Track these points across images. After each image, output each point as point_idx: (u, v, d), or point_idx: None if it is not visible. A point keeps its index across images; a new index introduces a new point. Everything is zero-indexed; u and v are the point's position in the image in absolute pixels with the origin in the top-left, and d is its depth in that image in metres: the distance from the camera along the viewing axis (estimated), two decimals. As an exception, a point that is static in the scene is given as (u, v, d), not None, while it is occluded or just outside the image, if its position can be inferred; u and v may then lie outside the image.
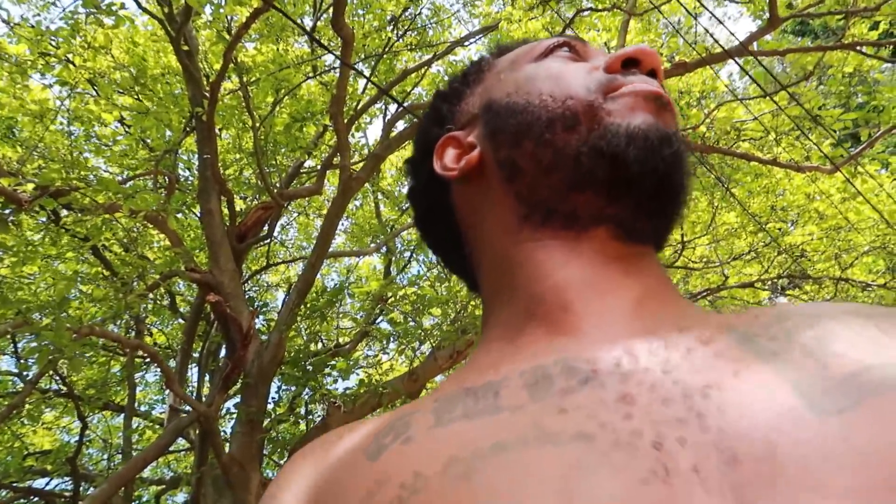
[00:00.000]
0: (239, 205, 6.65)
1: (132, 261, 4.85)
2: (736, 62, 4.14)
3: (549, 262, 0.52)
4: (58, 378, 6.27)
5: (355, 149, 7.52)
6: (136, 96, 6.29)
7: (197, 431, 5.71)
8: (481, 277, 0.59)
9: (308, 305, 5.94)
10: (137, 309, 5.12)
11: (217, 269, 5.14)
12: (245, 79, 5.56)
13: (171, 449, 7.66)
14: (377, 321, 6.64)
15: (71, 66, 5.52)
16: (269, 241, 7.41)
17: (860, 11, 4.33)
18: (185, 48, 5.23)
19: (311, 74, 6.48)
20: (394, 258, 8.05)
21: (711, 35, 4.37)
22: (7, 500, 6.14)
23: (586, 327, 0.47)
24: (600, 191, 0.51)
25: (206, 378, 7.32)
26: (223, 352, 6.83)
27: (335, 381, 5.78)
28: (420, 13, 6.86)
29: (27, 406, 6.26)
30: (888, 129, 4.86)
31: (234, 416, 5.37)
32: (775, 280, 7.17)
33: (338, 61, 5.59)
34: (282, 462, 5.64)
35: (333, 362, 5.58)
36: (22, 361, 5.98)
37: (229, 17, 5.92)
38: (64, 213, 5.03)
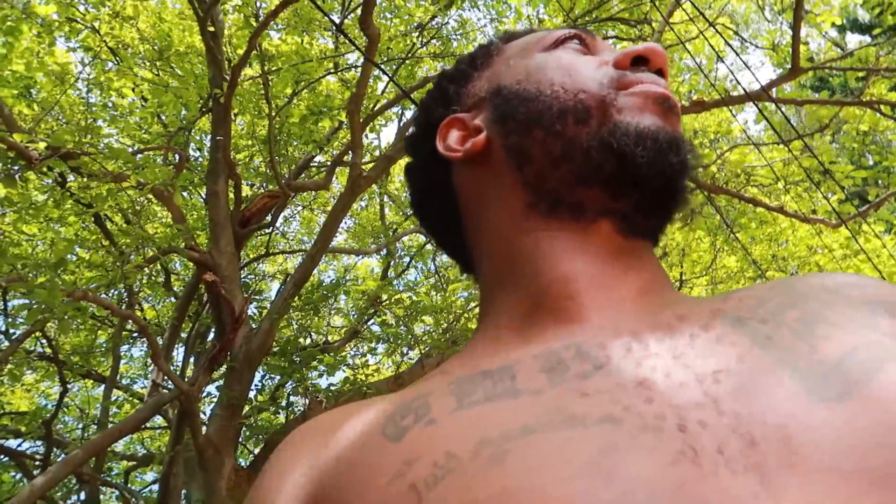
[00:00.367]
0: (245, 191, 6.67)
1: (133, 231, 4.85)
2: (756, 105, 4.17)
3: (554, 252, 0.53)
4: (44, 341, 6.26)
5: (368, 149, 7.54)
6: (156, 71, 6.32)
7: (176, 411, 5.69)
8: (482, 261, 0.60)
9: (302, 298, 5.94)
10: (132, 280, 5.11)
11: (217, 250, 5.15)
12: (267, 67, 5.59)
13: (148, 426, 7.63)
14: (369, 322, 6.64)
15: (96, 33, 5.55)
16: (271, 230, 7.42)
17: (881, 70, 4.37)
18: (212, 29, 5.26)
19: (332, 70, 6.51)
20: (393, 262, 8.06)
21: (734, 76, 4.41)
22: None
23: (593, 316, 0.48)
24: (607, 186, 0.52)
25: (192, 360, 7.31)
26: (212, 335, 6.83)
27: (320, 376, 5.77)
28: (447, 23, 6.91)
29: (9, 365, 6.25)
30: (896, 192, 4.89)
31: (216, 399, 5.36)
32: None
33: (359, 60, 5.63)
34: (256, 451, 5.62)
35: (321, 357, 5.57)
36: (10, 320, 5.97)
37: (258, 4, 5.96)
38: (71, 178, 5.04)
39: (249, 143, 7.03)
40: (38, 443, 7.02)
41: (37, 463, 6.48)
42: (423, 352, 5.69)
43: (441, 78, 0.67)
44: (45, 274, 3.94)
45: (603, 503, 0.33)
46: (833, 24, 5.48)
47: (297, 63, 5.89)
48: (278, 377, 5.78)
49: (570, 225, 0.53)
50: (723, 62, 5.49)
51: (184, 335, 7.32)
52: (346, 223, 9.32)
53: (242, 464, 5.45)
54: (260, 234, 7.39)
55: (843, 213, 4.96)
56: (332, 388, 5.38)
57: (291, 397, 5.88)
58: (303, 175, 7.16)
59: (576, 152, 0.52)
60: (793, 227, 6.37)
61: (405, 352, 6.25)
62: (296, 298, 5.68)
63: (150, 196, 5.02)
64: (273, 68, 5.89)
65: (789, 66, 4.36)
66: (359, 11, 4.72)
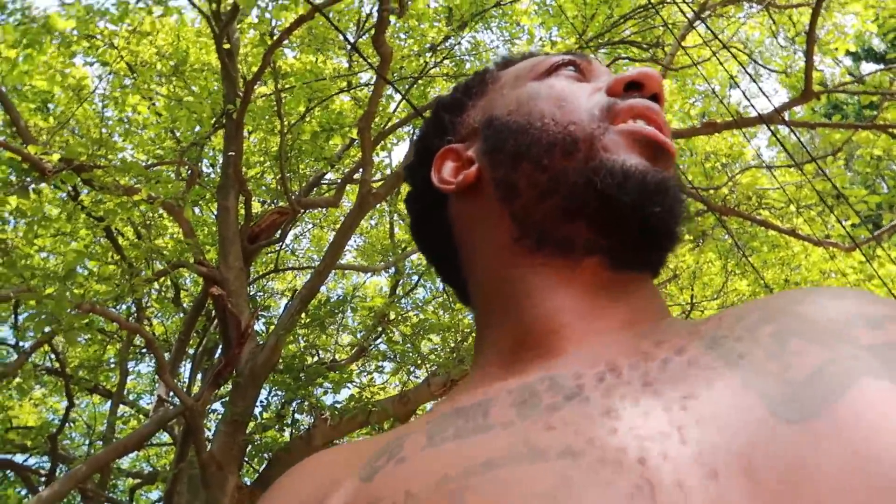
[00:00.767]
0: (256, 207, 6.70)
1: (143, 245, 4.87)
2: (769, 127, 4.16)
3: (541, 287, 0.52)
4: (52, 356, 6.28)
5: (378, 167, 7.57)
6: (172, 87, 6.40)
7: (181, 427, 5.67)
8: (473, 293, 0.60)
9: (309, 314, 5.93)
10: (141, 293, 5.13)
11: (225, 265, 5.16)
12: (280, 84, 5.64)
13: (153, 442, 7.62)
14: (376, 340, 6.61)
15: (114, 49, 5.63)
16: (280, 246, 7.44)
17: (895, 94, 4.35)
18: (227, 46, 5.33)
19: (345, 88, 6.57)
20: (401, 280, 8.04)
21: (748, 99, 4.41)
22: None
23: (573, 348, 0.48)
24: (591, 222, 0.51)
25: (199, 376, 7.30)
26: (219, 352, 6.82)
27: (325, 394, 5.74)
28: (460, 44, 6.97)
29: (17, 379, 6.26)
30: (911, 216, 4.84)
31: (221, 416, 5.33)
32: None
33: (372, 79, 5.67)
34: (260, 469, 5.58)
35: (327, 374, 5.55)
36: (19, 332, 5.98)
37: (274, 22, 6.03)
38: (84, 192, 5.08)
39: (261, 159, 7.09)
40: (44, 458, 7.01)
41: (42, 478, 6.46)
42: (429, 371, 5.65)
43: (438, 106, 0.67)
44: (54, 285, 3.95)
45: None
46: (847, 52, 5.47)
47: (311, 81, 5.94)
48: (284, 394, 5.75)
49: (557, 260, 0.52)
50: (737, 86, 5.49)
51: (191, 351, 7.32)
52: (355, 241, 9.34)
53: (247, 482, 5.40)
54: (269, 250, 7.41)
55: (856, 236, 4.92)
56: (338, 405, 5.35)
57: (297, 415, 5.85)
58: (313, 192, 7.19)
59: (561, 186, 0.51)
60: (805, 250, 6.32)
61: (412, 370, 6.21)
62: (303, 315, 5.68)
63: (161, 210, 5.05)
64: (286, 86, 5.95)
65: (803, 89, 4.35)
66: (373, 31, 4.76)
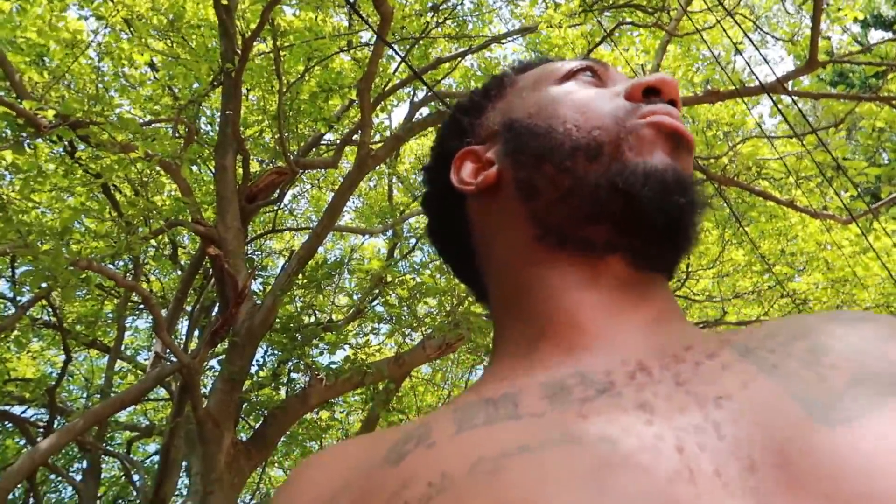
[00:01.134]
0: (254, 166, 6.66)
1: (140, 203, 4.86)
2: (770, 98, 4.12)
3: (562, 286, 0.53)
4: (49, 309, 6.30)
5: (378, 130, 7.52)
6: (169, 42, 6.30)
7: (178, 383, 5.72)
8: (492, 292, 0.60)
9: (306, 275, 5.95)
10: (138, 251, 5.13)
11: (223, 224, 5.15)
12: (279, 42, 5.56)
13: (150, 397, 7.70)
14: (373, 302, 6.65)
15: (109, 1, 5.53)
16: (278, 206, 7.42)
17: (900, 66, 4.30)
18: (225, 2, 5.23)
19: (344, 48, 6.47)
20: (399, 243, 8.05)
21: (750, 68, 4.36)
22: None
23: (599, 344, 0.49)
24: (614, 223, 0.52)
25: (196, 333, 7.35)
26: (216, 310, 6.85)
27: (321, 354, 5.79)
28: (462, 4, 6.85)
29: (15, 332, 6.30)
30: (910, 189, 4.83)
31: (217, 373, 5.39)
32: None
33: (372, 39, 5.59)
34: (256, 426, 5.65)
35: (323, 335, 5.59)
36: (17, 287, 6.00)
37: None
38: (80, 147, 5.04)
39: (259, 118, 7.02)
40: (42, 410, 7.10)
41: (40, 430, 6.55)
42: (425, 333, 5.69)
43: (456, 109, 0.68)
44: (51, 241, 3.95)
45: None
46: (855, 20, 5.39)
47: (310, 39, 5.86)
48: (280, 353, 5.80)
49: (579, 259, 0.53)
50: (740, 54, 5.42)
51: (189, 309, 7.36)
52: (353, 203, 9.33)
53: (242, 438, 5.48)
54: (267, 210, 7.40)
55: (854, 209, 4.91)
56: (334, 366, 5.40)
57: (292, 374, 5.91)
58: (312, 152, 7.15)
59: (584, 189, 0.52)
60: (803, 222, 6.32)
61: (407, 333, 6.25)
62: (300, 276, 5.69)
63: (158, 168, 5.02)
64: (285, 44, 5.86)
65: (807, 58, 4.30)
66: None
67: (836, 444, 0.34)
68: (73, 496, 7.86)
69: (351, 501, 0.44)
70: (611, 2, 5.66)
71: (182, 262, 7.41)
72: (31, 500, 6.85)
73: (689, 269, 6.90)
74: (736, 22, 4.16)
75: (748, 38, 3.88)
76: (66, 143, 4.88)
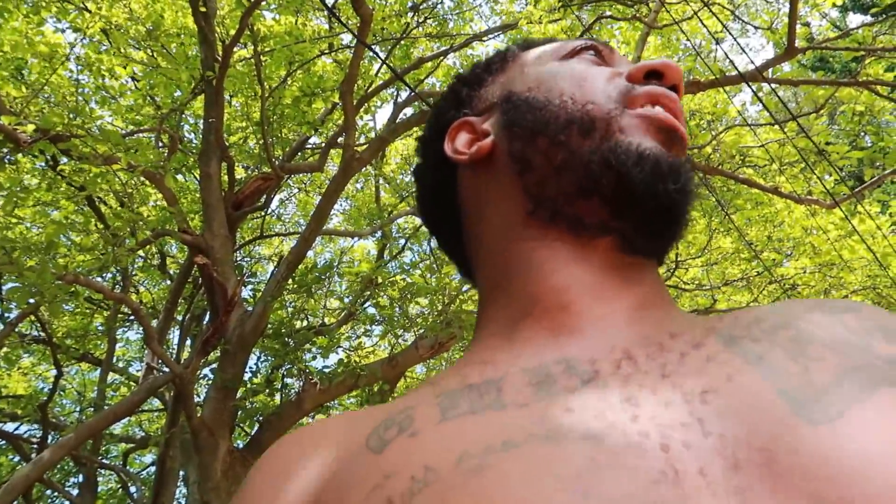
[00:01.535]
0: (239, 173, 6.63)
1: (126, 215, 4.83)
2: (749, 87, 4.14)
3: (550, 262, 0.52)
4: (38, 325, 6.26)
5: (362, 131, 7.51)
6: (149, 52, 6.27)
7: (171, 393, 5.70)
8: (479, 266, 0.60)
9: (296, 280, 5.94)
10: (125, 263, 5.10)
11: (209, 232, 5.13)
12: (259, 47, 5.54)
13: (144, 408, 7.67)
14: (364, 304, 6.64)
15: (86, 13, 5.50)
16: (265, 212, 7.40)
17: (877, 51, 4.34)
18: (203, 10, 5.21)
19: (325, 51, 6.46)
20: (388, 244, 8.04)
21: (729, 58, 4.38)
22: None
23: (585, 329, 0.48)
24: (605, 201, 0.51)
25: (188, 342, 7.33)
26: (207, 318, 6.83)
27: (314, 358, 5.79)
28: (442, 2, 6.85)
29: (5, 349, 6.26)
30: (892, 172, 4.87)
31: (211, 382, 5.37)
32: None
33: (353, 41, 5.58)
34: (252, 432, 5.64)
35: (315, 339, 5.58)
36: (4, 304, 5.96)
37: (251, -16, 5.88)
38: (63, 161, 5.00)
39: (243, 124, 7.00)
40: (35, 426, 7.05)
41: (34, 446, 6.51)
42: (417, 334, 5.69)
43: (456, 80, 0.67)
44: (36, 256, 3.92)
45: None
46: (834, 5, 5.43)
47: (290, 44, 5.84)
48: (273, 359, 5.79)
49: (569, 237, 0.53)
50: (719, 45, 5.45)
51: (179, 318, 7.33)
52: (341, 205, 9.32)
53: (238, 445, 5.47)
54: (255, 216, 7.38)
55: (837, 194, 4.95)
56: (327, 369, 5.39)
57: (286, 379, 5.90)
58: (297, 157, 7.13)
59: (577, 163, 0.52)
60: (788, 208, 6.37)
61: (400, 333, 6.25)
62: (290, 281, 5.68)
63: (143, 178, 4.99)
64: (266, 49, 5.84)
65: (786, 46, 4.33)
66: (351, -9, 4.66)
67: (821, 443, 0.34)
68: (71, 511, 7.81)
69: (330, 486, 0.43)
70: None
71: (171, 272, 7.38)
72: (28, 517, 6.80)
73: (679, 259, 6.94)
74: (712, 12, 4.18)
75: (725, 28, 3.90)
76: (47, 157, 4.84)
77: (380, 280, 6.22)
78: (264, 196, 6.30)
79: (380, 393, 6.27)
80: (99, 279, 5.66)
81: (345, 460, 0.44)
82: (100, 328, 7.35)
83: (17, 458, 7.40)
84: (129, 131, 5.90)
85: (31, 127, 3.90)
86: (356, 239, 8.94)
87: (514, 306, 0.53)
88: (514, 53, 0.65)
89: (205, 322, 7.13)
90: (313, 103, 6.39)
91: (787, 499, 0.33)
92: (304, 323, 6.89)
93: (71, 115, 4.24)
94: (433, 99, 5.63)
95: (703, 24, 4.00)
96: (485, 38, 7.10)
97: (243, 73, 6.19)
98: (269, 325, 5.48)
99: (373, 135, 7.45)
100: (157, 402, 7.44)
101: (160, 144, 6.47)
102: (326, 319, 7.38)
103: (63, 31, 5.54)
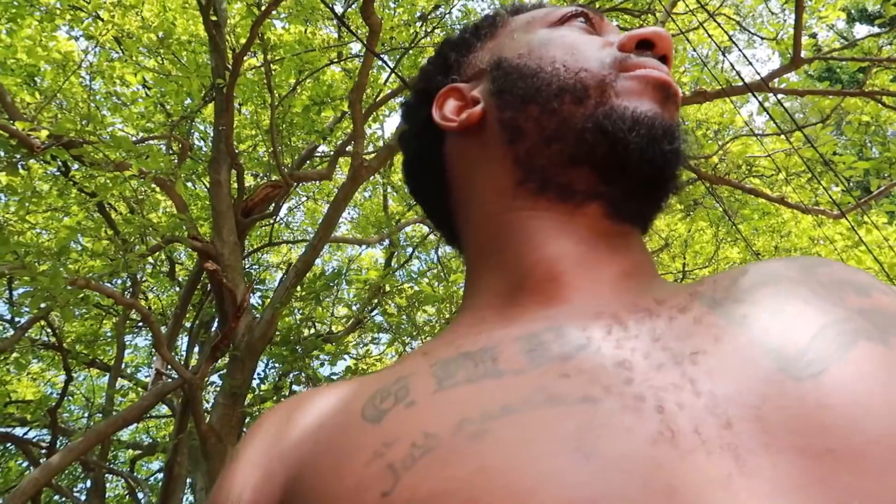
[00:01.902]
0: (248, 180, 6.68)
1: (136, 221, 4.87)
2: (755, 97, 4.16)
3: (540, 232, 0.53)
4: (48, 330, 6.31)
5: (370, 140, 7.54)
6: (160, 60, 6.33)
7: (180, 399, 5.73)
8: (467, 235, 0.59)
9: (305, 287, 5.96)
10: (135, 269, 5.14)
11: (219, 239, 5.17)
12: (269, 56, 5.59)
13: (152, 415, 7.69)
14: (372, 312, 6.66)
15: (99, 21, 5.57)
16: (274, 220, 7.44)
17: (883, 61, 4.35)
18: (214, 18, 5.26)
19: (335, 60, 6.51)
20: (396, 252, 8.07)
21: (734, 68, 4.40)
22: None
23: (575, 297, 0.49)
24: (596, 168, 0.51)
25: (196, 349, 7.35)
26: (215, 325, 6.87)
27: (322, 366, 5.80)
28: (450, 13, 6.89)
29: (15, 354, 6.30)
30: (898, 182, 4.87)
31: (219, 388, 5.39)
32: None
33: (362, 50, 5.63)
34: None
35: (323, 346, 5.60)
36: (15, 308, 6.01)
37: (261, -7, 5.96)
38: (75, 167, 5.06)
39: (253, 132, 7.05)
40: (44, 431, 7.08)
41: (42, 451, 6.54)
42: (424, 341, 5.71)
43: (444, 45, 0.66)
44: (48, 262, 3.96)
45: (580, 481, 0.34)
46: (840, 17, 5.45)
47: (300, 52, 5.89)
48: (281, 366, 5.81)
49: (558, 206, 0.53)
50: (724, 55, 5.46)
51: (188, 325, 7.37)
52: (349, 213, 9.35)
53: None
54: (264, 223, 7.42)
55: (844, 204, 4.96)
56: (335, 377, 5.41)
57: (294, 386, 5.91)
58: (306, 165, 7.18)
59: (569, 132, 0.52)
60: (795, 218, 6.36)
61: (407, 341, 6.27)
62: (298, 288, 5.71)
63: (153, 185, 5.04)
64: (276, 58, 5.89)
65: (791, 57, 4.35)
66: (361, 0, 4.71)
67: (806, 398, 0.35)
68: (78, 516, 7.83)
69: (325, 455, 0.42)
70: (598, 5, 5.70)
71: (180, 279, 7.42)
72: (36, 522, 6.82)
73: (686, 269, 6.94)
74: (718, 23, 4.21)
75: (731, 39, 3.93)
76: (59, 162, 4.90)
77: (387, 288, 6.24)
78: (273, 203, 6.33)
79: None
80: (109, 284, 5.70)
81: (339, 430, 0.44)
82: (109, 334, 7.39)
83: (25, 463, 7.44)
84: (140, 138, 5.95)
85: (44, 133, 3.95)
86: (364, 247, 8.97)
87: (505, 277, 0.53)
88: (504, 18, 0.64)
89: (213, 328, 7.17)
90: (322, 112, 6.43)
91: (777, 453, 0.34)
92: (312, 330, 6.91)
93: (83, 122, 4.29)
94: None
95: (709, 35, 4.02)
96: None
97: (253, 82, 6.24)
98: (278, 332, 5.50)
99: (381, 143, 7.50)
100: (165, 409, 7.46)
101: (170, 151, 6.53)
102: (334, 327, 7.40)
103: (77, 38, 5.60)
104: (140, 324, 7.52)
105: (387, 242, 8.07)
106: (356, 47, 6.77)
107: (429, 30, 6.73)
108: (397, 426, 0.40)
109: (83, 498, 6.78)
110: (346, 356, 6.04)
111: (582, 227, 0.52)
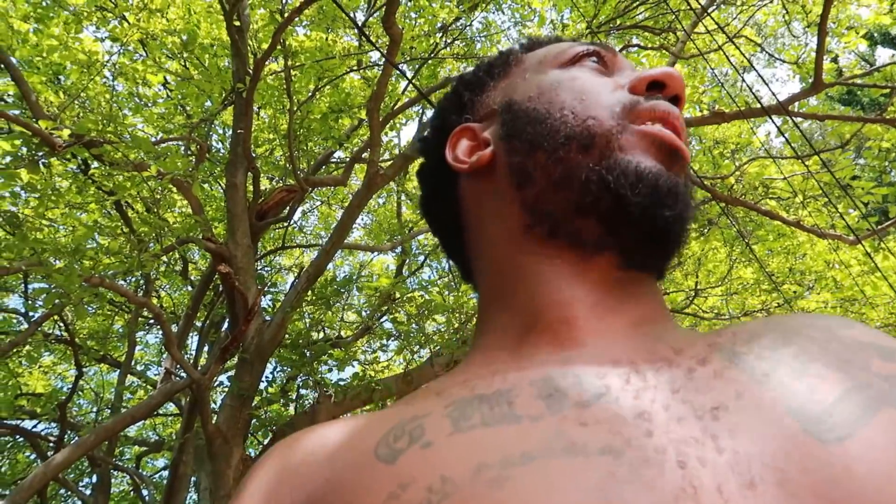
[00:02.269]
0: (264, 183, 6.73)
1: (152, 220, 4.92)
2: (772, 120, 4.15)
3: (552, 277, 0.52)
4: (61, 325, 6.37)
5: (386, 148, 7.59)
6: (182, 63, 6.40)
7: (188, 398, 5.76)
8: (479, 272, 0.60)
9: (315, 292, 5.99)
10: (150, 268, 5.18)
11: (233, 241, 5.21)
12: (290, 62, 5.64)
13: (160, 412, 7.73)
14: (381, 319, 6.68)
15: (125, 23, 5.64)
16: (288, 224, 7.48)
17: (905, 88, 4.33)
18: (237, 24, 5.32)
19: (354, 68, 6.55)
20: (407, 260, 8.08)
21: (752, 91, 4.39)
22: (-7, 434, 6.22)
23: (590, 343, 0.48)
24: (602, 221, 0.51)
25: (206, 349, 7.40)
26: (226, 325, 6.90)
27: (330, 371, 5.82)
28: (471, 25, 6.92)
29: (28, 347, 6.36)
30: (917, 209, 4.83)
31: (227, 389, 5.42)
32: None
33: (382, 59, 5.66)
34: (265, 441, 5.67)
35: (332, 352, 5.61)
36: (29, 302, 6.07)
37: (284, 0, 6.02)
38: (94, 165, 5.12)
39: (270, 136, 7.10)
40: (53, 424, 7.14)
41: (51, 444, 6.59)
42: (433, 351, 5.71)
43: (459, 83, 0.67)
44: (65, 259, 4.01)
45: None
46: (862, 41, 5.42)
47: (321, 60, 5.94)
48: (289, 370, 5.83)
49: (569, 253, 0.52)
50: (743, 80, 5.46)
51: (199, 324, 7.41)
52: (363, 220, 9.38)
53: (252, 454, 5.50)
54: (277, 227, 7.47)
55: (860, 229, 4.92)
56: (342, 382, 5.42)
57: (301, 390, 5.93)
58: (321, 170, 7.22)
59: (574, 181, 0.51)
60: (811, 240, 6.32)
61: (416, 349, 6.27)
62: (309, 292, 5.73)
63: (170, 185, 5.09)
64: (296, 64, 5.94)
65: (812, 81, 4.34)
66: (383, 11, 4.75)
67: (832, 463, 0.34)
68: (83, 510, 7.88)
69: (335, 495, 0.42)
70: (618, 23, 5.71)
71: (192, 279, 7.48)
72: (41, 515, 6.87)
73: (698, 287, 6.90)
74: (737, 46, 4.20)
75: (749, 62, 3.92)
76: (79, 160, 4.96)
77: (398, 295, 6.25)
78: (287, 207, 6.37)
79: (393, 408, 6.26)
80: (123, 283, 5.75)
81: (351, 468, 0.43)
82: (120, 331, 7.45)
83: (33, 456, 7.49)
84: (159, 139, 6.01)
85: (66, 132, 4.00)
86: (376, 253, 9.00)
87: (518, 318, 0.52)
88: (517, 56, 0.64)
89: (223, 329, 7.20)
90: (340, 119, 6.47)
91: None
92: (321, 335, 6.93)
93: (104, 122, 4.34)
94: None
95: (728, 59, 4.01)
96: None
97: (273, 87, 6.30)
98: (287, 336, 5.52)
99: (397, 151, 7.53)
100: (172, 407, 7.50)
101: (188, 153, 6.59)
102: (343, 332, 7.42)
103: (102, 40, 5.68)
104: (151, 322, 7.58)
105: (399, 250, 8.10)
106: (376, 55, 6.81)
107: (449, 41, 6.77)
108: (413, 467, 0.40)
109: (88, 493, 6.82)
110: (354, 362, 6.05)
111: (594, 273, 0.52)
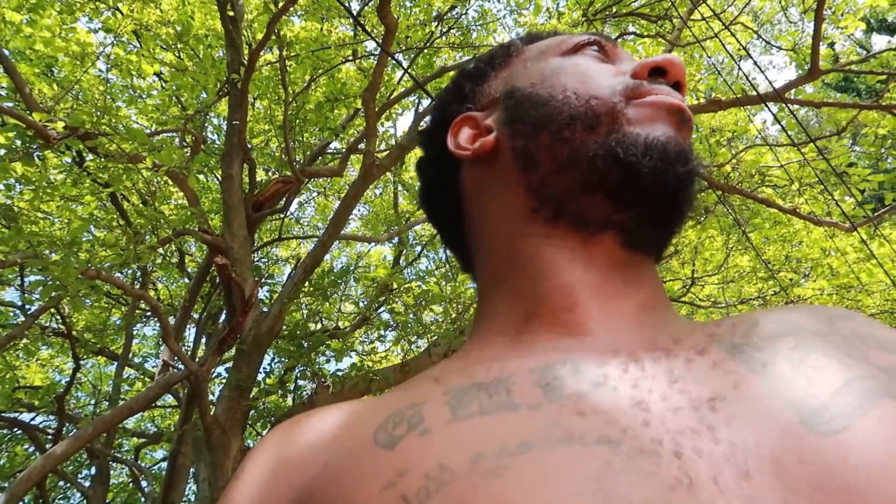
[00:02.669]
0: (260, 175, 6.72)
1: (148, 213, 4.91)
2: (767, 108, 4.14)
3: (555, 261, 0.52)
4: (58, 317, 6.37)
5: (383, 138, 7.57)
6: (177, 54, 6.37)
7: (186, 390, 5.77)
8: (481, 262, 0.59)
9: (313, 283, 5.98)
10: (146, 260, 5.18)
11: (229, 233, 5.20)
12: (285, 52, 5.61)
13: (158, 404, 7.75)
14: (379, 309, 6.68)
15: (118, 14, 5.61)
16: (284, 215, 7.47)
17: (901, 74, 4.32)
18: (231, 14, 5.29)
19: (350, 58, 6.53)
20: (405, 250, 8.09)
21: (748, 79, 4.38)
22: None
23: (590, 330, 0.48)
24: (610, 195, 0.51)
25: (203, 340, 7.40)
26: (223, 317, 6.91)
27: (328, 362, 5.82)
28: (466, 14, 6.90)
29: (25, 340, 6.36)
30: (913, 196, 4.83)
31: (225, 380, 5.43)
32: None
33: (377, 48, 5.64)
34: (264, 432, 5.68)
35: (329, 342, 5.62)
36: (26, 295, 6.07)
37: (279, -10, 5.98)
38: (89, 157, 5.10)
39: (266, 127, 7.08)
40: (51, 417, 7.15)
41: (49, 437, 6.60)
42: (430, 341, 5.72)
43: (459, 74, 0.67)
44: (61, 252, 4.00)
45: None
46: (858, 27, 5.41)
47: (316, 50, 5.91)
48: (286, 361, 5.83)
49: (572, 235, 0.53)
50: (739, 68, 5.44)
51: (196, 316, 7.41)
52: (360, 211, 9.38)
53: (250, 445, 5.51)
54: (274, 218, 7.45)
55: (856, 216, 4.93)
56: (340, 373, 5.43)
57: (299, 381, 5.94)
58: (317, 161, 7.20)
59: (581, 159, 0.51)
60: (807, 228, 6.33)
61: (413, 340, 6.28)
62: (306, 283, 5.73)
63: (166, 177, 5.08)
64: (291, 54, 5.91)
65: (808, 67, 4.33)
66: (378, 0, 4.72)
67: (829, 454, 0.35)
68: (82, 502, 7.90)
69: (334, 480, 0.42)
70: (613, 11, 5.69)
71: (189, 271, 7.47)
72: (41, 507, 6.89)
73: (695, 276, 6.92)
74: (733, 34, 4.19)
75: (745, 49, 3.91)
76: (74, 152, 4.94)
77: (395, 286, 6.25)
78: (284, 198, 6.36)
79: (391, 398, 6.26)
80: (119, 275, 5.74)
81: (350, 454, 0.43)
82: (118, 323, 7.45)
83: (31, 448, 7.51)
84: (154, 131, 5.99)
85: (60, 125, 3.98)
86: (373, 244, 8.99)
87: (519, 305, 0.52)
88: (518, 47, 0.64)
89: (221, 321, 7.20)
90: (336, 109, 6.45)
91: None
92: (319, 326, 6.93)
93: (99, 114, 4.32)
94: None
95: (724, 46, 4.00)
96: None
97: (268, 77, 6.27)
98: (285, 327, 5.53)
99: (393, 142, 7.52)
100: (170, 399, 7.51)
101: (184, 144, 6.57)
102: (341, 323, 7.42)
103: (95, 31, 5.64)
104: (148, 314, 7.58)
105: (396, 240, 8.10)
106: (371, 45, 6.78)
107: (444, 30, 6.74)
108: (411, 455, 0.40)
109: (87, 484, 6.84)
110: (351, 353, 6.06)
111: (597, 256, 0.52)
